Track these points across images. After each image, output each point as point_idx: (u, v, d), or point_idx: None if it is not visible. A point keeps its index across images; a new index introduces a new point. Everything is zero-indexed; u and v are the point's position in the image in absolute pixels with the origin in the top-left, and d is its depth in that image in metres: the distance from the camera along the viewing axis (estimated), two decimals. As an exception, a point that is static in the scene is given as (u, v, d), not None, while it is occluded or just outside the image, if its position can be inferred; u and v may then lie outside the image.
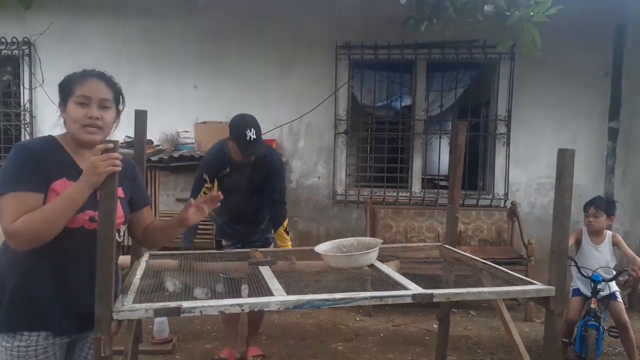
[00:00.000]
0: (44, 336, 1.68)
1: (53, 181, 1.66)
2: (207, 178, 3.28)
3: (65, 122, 1.76)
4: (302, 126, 5.36)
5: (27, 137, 5.47)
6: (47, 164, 1.64)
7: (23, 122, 5.48)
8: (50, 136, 1.78)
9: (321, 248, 2.51)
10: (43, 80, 5.42)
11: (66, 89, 1.75)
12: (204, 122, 5.13)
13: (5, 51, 5.41)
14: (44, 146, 1.70)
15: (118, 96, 1.84)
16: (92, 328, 1.75)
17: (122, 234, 1.86)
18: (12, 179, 1.60)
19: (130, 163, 1.97)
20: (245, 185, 3.29)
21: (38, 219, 1.55)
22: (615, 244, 3.66)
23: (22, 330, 1.66)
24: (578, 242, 3.72)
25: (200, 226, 4.33)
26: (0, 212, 1.59)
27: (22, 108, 5.48)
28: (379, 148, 5.44)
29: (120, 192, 1.80)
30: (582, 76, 5.13)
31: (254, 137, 3.03)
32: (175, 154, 4.44)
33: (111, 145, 1.56)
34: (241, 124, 3.08)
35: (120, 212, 1.78)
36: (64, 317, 1.69)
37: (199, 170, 3.33)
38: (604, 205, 3.64)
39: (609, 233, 3.69)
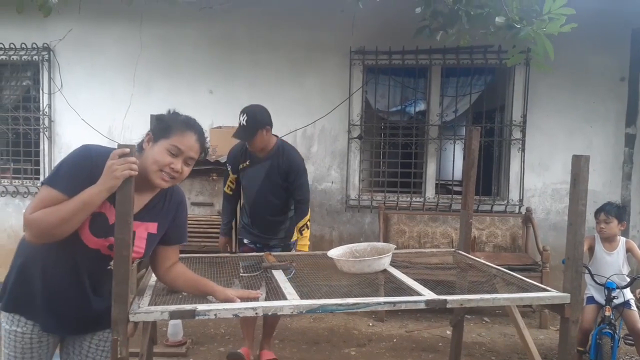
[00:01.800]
0: (38, 327, 1.74)
1: None
2: (229, 169, 3.47)
3: (141, 146, 1.77)
4: (316, 131, 5.38)
5: (46, 141, 5.58)
6: (97, 178, 1.62)
7: (42, 126, 5.57)
8: None
9: (334, 253, 2.52)
10: (62, 85, 5.52)
11: (165, 128, 1.76)
12: (219, 127, 5.18)
13: (25, 56, 5.52)
14: (105, 160, 1.64)
15: (202, 155, 1.86)
16: (87, 332, 1.83)
17: (134, 266, 1.89)
18: (61, 177, 1.65)
19: (179, 197, 1.94)
20: (261, 182, 3.35)
21: (53, 215, 1.59)
22: (629, 250, 3.62)
23: (19, 314, 1.73)
24: (591, 249, 3.68)
25: (214, 230, 4.38)
26: (34, 198, 1.65)
27: (41, 112, 5.58)
28: (393, 153, 5.44)
29: (153, 227, 1.82)
30: (598, 81, 5.09)
31: (244, 123, 3.18)
32: (190, 158, 4.50)
33: (127, 150, 1.59)
34: (243, 110, 3.26)
35: (141, 246, 1.79)
36: (50, 317, 1.73)
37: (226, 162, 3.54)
38: (614, 210, 3.60)
39: (622, 239, 3.65)
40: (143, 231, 1.79)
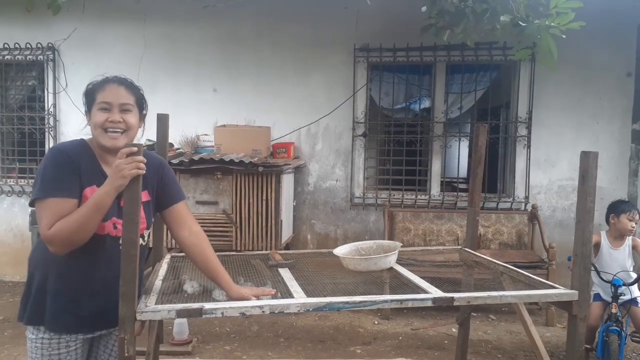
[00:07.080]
0: (64, 331, 1.73)
1: (85, 187, 1.71)
2: None
3: (91, 130, 1.79)
4: (320, 129, 5.37)
5: (51, 141, 5.59)
6: (80, 170, 1.66)
7: (47, 126, 5.59)
8: (82, 140, 1.81)
9: (340, 251, 2.51)
10: (67, 85, 5.54)
11: (89, 97, 1.79)
12: (224, 126, 5.18)
13: (30, 56, 5.54)
14: (79, 152, 1.72)
15: (140, 100, 1.86)
16: (113, 326, 1.82)
17: (145, 239, 1.88)
18: (51, 184, 1.64)
19: (157, 161, 1.92)
20: None
21: (71, 225, 1.59)
22: (634, 247, 3.61)
23: (43, 326, 1.73)
24: (596, 246, 3.67)
25: (218, 229, 4.38)
26: (38, 216, 1.64)
27: (46, 112, 5.59)
28: (398, 151, 5.42)
29: (144, 195, 1.80)
30: (604, 77, 5.06)
31: None
32: (196, 157, 4.48)
33: (135, 148, 1.59)
34: None
35: (142, 216, 1.77)
36: (78, 318, 1.73)
37: None
38: (637, 208, 3.67)
39: (628, 237, 3.64)
40: None
